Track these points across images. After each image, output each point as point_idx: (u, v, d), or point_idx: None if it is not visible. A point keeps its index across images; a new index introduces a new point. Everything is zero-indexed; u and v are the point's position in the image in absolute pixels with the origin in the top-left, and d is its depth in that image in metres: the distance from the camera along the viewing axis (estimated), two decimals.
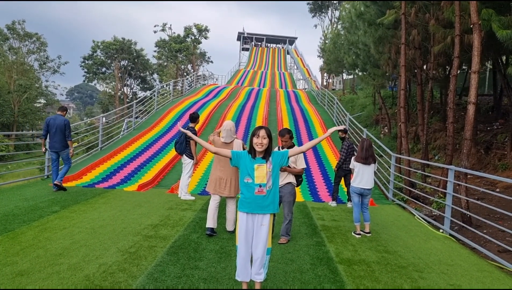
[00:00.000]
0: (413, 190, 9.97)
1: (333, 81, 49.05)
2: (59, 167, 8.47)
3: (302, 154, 5.39)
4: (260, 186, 3.32)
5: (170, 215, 6.50)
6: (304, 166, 5.37)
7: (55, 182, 8.03)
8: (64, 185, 8.43)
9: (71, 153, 8.35)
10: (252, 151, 3.38)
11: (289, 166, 5.25)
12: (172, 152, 12.26)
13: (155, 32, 51.34)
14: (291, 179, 5.34)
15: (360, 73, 21.76)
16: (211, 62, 60.79)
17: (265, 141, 3.32)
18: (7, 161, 22.22)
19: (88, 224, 5.60)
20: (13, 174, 14.40)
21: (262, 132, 3.33)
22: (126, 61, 46.36)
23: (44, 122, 8.25)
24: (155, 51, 48.89)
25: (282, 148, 5.30)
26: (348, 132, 14.31)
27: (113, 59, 45.69)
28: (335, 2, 43.57)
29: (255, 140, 3.34)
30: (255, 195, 3.32)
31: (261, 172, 3.33)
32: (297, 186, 5.50)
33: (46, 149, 8.56)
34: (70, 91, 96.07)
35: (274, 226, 5.19)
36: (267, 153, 3.38)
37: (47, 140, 8.29)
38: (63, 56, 56.02)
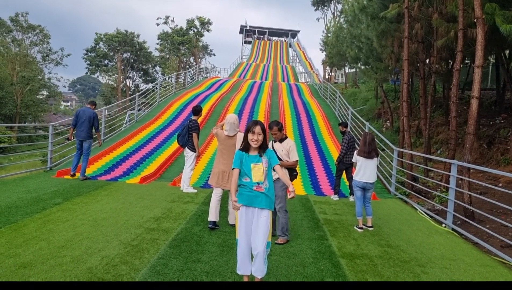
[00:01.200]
0: (416, 184, 9.95)
1: (335, 75, 48.83)
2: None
3: (295, 145, 5.31)
4: (258, 184, 3.39)
5: (173, 208, 6.51)
6: (297, 158, 5.21)
7: (80, 178, 8.50)
8: (66, 177, 8.52)
9: (100, 143, 9.27)
10: (246, 147, 3.44)
11: (281, 160, 5.16)
12: (175, 145, 12.26)
13: (157, 24, 51.11)
14: None
15: (362, 67, 21.63)
16: (214, 55, 60.71)
17: (260, 137, 3.40)
18: (10, 152, 22.28)
19: (91, 217, 5.61)
20: (15, 166, 14.46)
21: (258, 129, 3.39)
22: (129, 54, 46.19)
23: (74, 113, 8.81)
24: (157, 44, 48.80)
25: (274, 141, 5.26)
26: (350, 126, 14.29)
27: (115, 51, 45.52)
28: None
29: (250, 136, 3.40)
30: (253, 190, 3.38)
31: (258, 171, 3.40)
32: (291, 180, 5.41)
33: (69, 139, 9.08)
34: (72, 83, 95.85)
35: (275, 222, 5.17)
36: (261, 149, 3.44)
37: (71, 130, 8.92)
38: (65, 48, 55.89)
